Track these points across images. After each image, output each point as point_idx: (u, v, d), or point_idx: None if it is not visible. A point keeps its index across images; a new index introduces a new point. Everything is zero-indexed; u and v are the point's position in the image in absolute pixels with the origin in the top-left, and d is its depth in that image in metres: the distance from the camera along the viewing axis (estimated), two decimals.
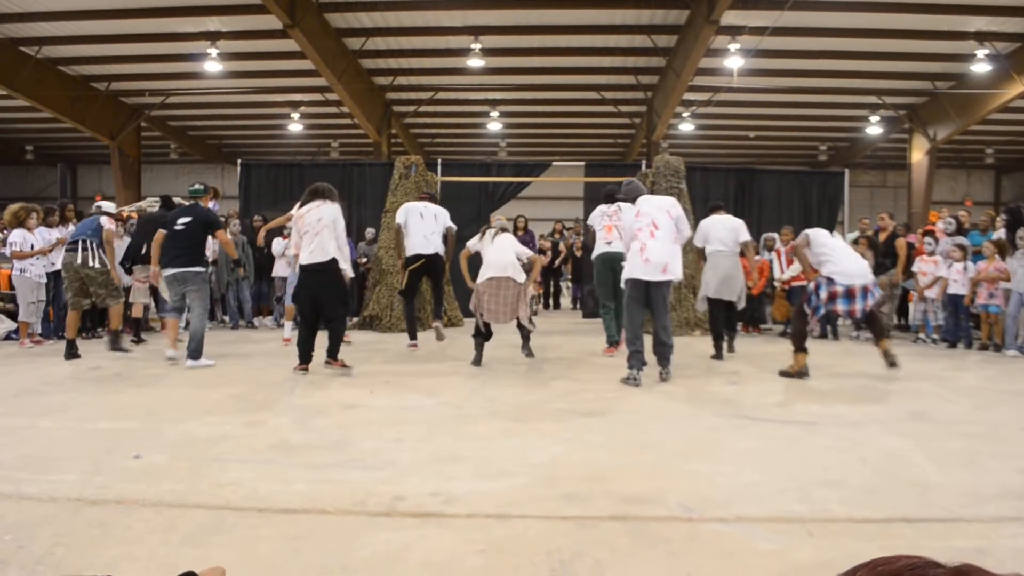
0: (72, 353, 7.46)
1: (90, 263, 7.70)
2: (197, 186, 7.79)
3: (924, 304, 9.67)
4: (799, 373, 6.56)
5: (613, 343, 8.16)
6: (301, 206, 6.82)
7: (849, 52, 16.78)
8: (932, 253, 9.64)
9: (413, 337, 8.42)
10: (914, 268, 9.88)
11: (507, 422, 4.80)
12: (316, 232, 6.52)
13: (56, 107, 18.89)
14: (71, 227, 9.39)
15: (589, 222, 8.83)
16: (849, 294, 6.48)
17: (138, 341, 9.01)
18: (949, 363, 7.87)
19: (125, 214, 11.34)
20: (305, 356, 6.53)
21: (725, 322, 8.05)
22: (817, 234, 6.82)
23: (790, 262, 9.77)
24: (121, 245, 9.30)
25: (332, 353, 6.66)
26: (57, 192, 20.87)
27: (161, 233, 7.29)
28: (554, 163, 14.11)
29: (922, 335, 9.67)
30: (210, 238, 7.92)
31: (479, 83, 19.80)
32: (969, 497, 3.37)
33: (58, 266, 8.81)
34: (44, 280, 8.63)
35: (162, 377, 6.48)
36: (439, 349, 8.25)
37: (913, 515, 3.16)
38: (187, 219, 7.26)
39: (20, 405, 5.24)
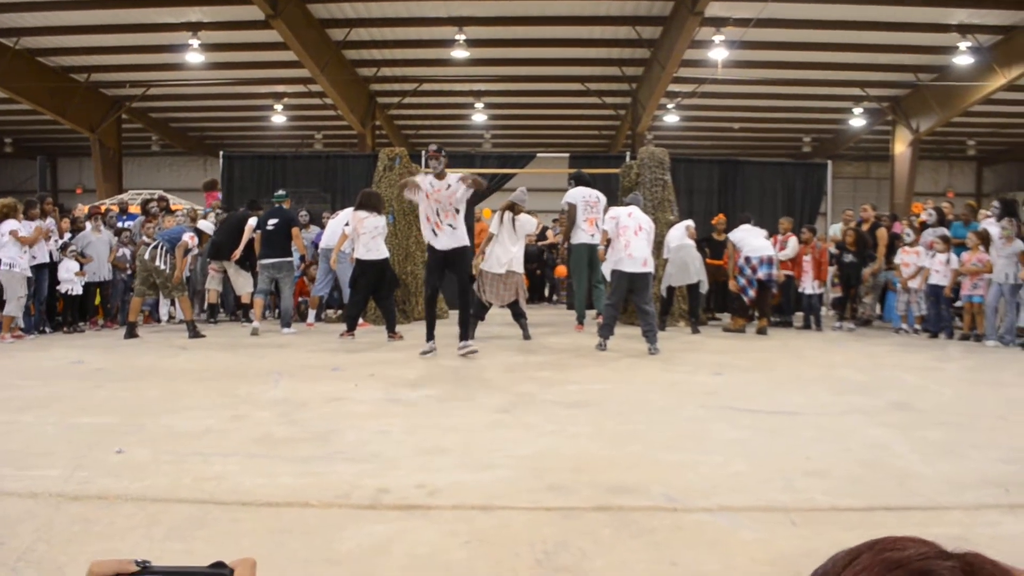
0: (132, 333, 8.61)
1: (157, 263, 8.69)
2: (281, 192, 9.81)
3: (907, 295, 9.74)
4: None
5: (580, 322, 9.50)
6: (356, 209, 8.63)
7: (833, 44, 16.82)
8: (914, 244, 9.71)
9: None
10: (896, 260, 9.93)
11: (491, 414, 4.80)
12: (373, 236, 8.49)
13: (35, 99, 18.59)
14: (50, 220, 9.31)
15: (570, 200, 9.24)
16: None
17: (216, 321, 10.35)
18: (931, 354, 7.95)
19: (103, 208, 11.24)
20: (352, 326, 8.51)
21: (691, 308, 9.71)
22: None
23: (781, 247, 9.98)
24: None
25: (390, 328, 8.53)
26: (36, 185, 20.55)
27: (258, 233, 9.26)
28: (539, 155, 14.05)
29: (904, 325, 9.74)
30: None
31: (463, 74, 19.68)
32: (949, 485, 3.41)
33: (39, 260, 8.77)
34: (29, 274, 8.58)
35: (144, 371, 6.44)
36: (422, 342, 8.24)
37: (895, 503, 3.19)
38: (275, 220, 9.20)
39: (1, 400, 5.19)
